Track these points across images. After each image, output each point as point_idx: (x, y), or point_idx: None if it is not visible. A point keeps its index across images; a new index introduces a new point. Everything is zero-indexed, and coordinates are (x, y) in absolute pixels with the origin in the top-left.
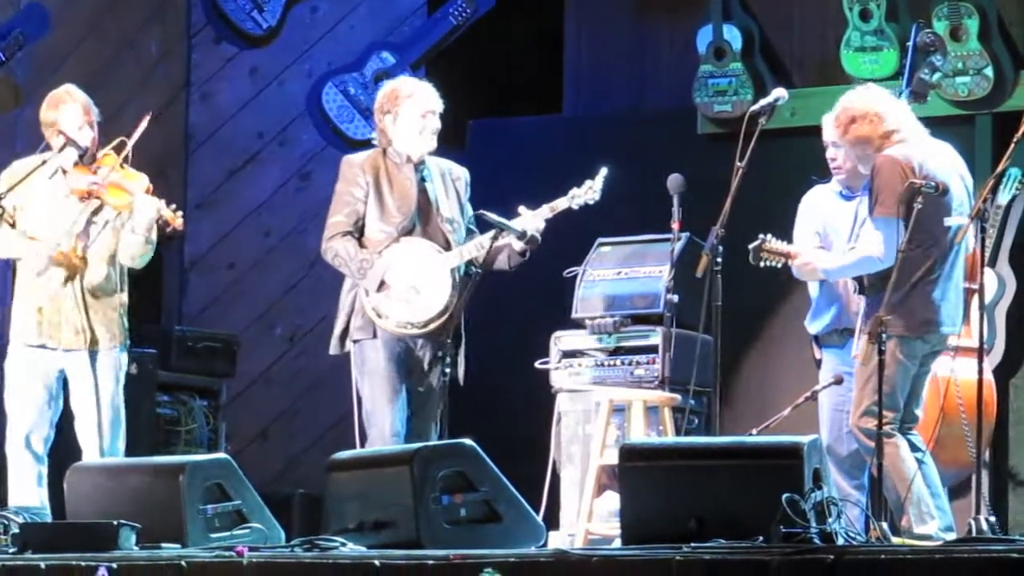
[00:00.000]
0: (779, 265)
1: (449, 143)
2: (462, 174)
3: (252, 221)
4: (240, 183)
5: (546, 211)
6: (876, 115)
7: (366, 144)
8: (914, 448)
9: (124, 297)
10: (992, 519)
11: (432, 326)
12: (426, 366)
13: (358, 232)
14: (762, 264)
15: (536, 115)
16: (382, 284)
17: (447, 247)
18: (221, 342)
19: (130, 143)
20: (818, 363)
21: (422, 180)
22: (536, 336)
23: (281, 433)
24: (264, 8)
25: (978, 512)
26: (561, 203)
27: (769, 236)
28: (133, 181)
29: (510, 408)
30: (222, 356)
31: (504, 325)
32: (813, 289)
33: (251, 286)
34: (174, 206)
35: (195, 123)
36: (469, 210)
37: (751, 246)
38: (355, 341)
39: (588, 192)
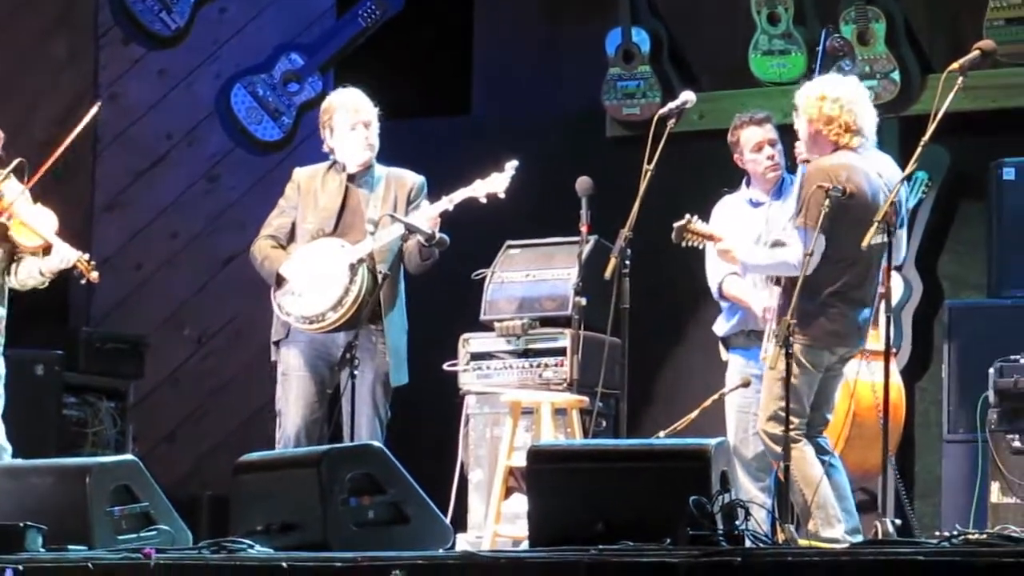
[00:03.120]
0: (700, 247)
1: None
2: (410, 181)
3: (160, 222)
4: (148, 184)
5: (445, 202)
6: (849, 110)
7: (275, 146)
8: (822, 451)
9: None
10: (897, 522)
11: (329, 320)
12: (341, 362)
13: (285, 239)
14: (684, 244)
15: (445, 117)
16: (283, 281)
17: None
18: (129, 343)
19: (37, 174)
20: (724, 366)
21: (358, 187)
22: (444, 338)
23: (189, 435)
24: (172, 9)
25: (884, 514)
26: (460, 194)
27: (695, 217)
28: (42, 220)
29: (418, 410)
30: (129, 357)
31: (412, 327)
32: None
33: (159, 287)
34: (87, 256)
35: (103, 124)
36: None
37: (675, 224)
38: (275, 343)
39: (493, 183)
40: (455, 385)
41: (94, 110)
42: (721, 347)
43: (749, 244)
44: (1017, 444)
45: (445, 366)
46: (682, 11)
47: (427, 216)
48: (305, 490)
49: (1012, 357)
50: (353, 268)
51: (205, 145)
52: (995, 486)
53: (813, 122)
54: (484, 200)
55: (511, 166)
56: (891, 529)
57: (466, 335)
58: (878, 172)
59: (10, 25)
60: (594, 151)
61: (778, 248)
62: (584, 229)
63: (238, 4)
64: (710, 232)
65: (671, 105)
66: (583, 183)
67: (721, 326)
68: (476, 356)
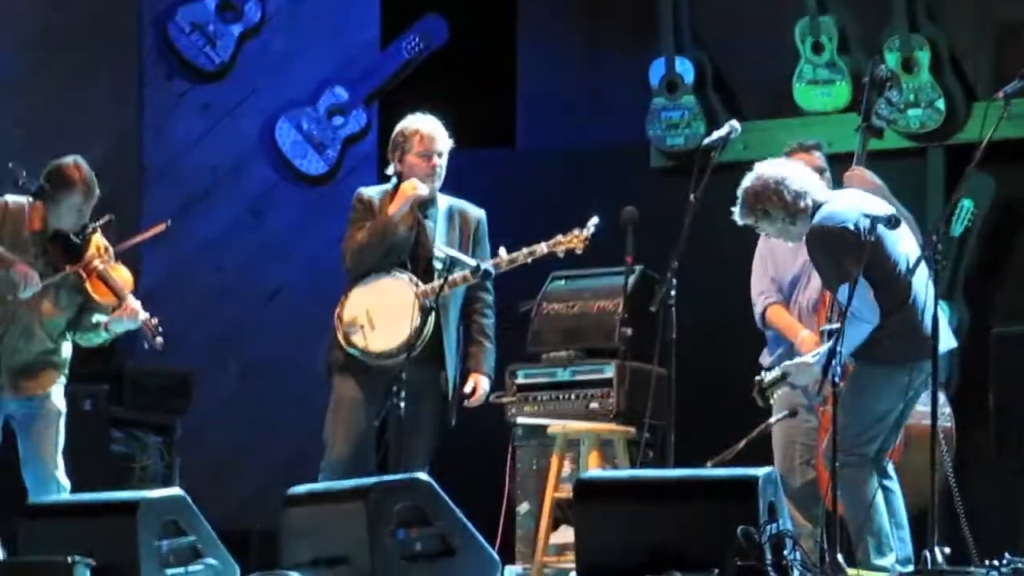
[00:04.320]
0: (779, 392)
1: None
2: (473, 217)
3: (206, 256)
4: (193, 218)
5: (524, 255)
6: (776, 192)
7: (320, 179)
8: (884, 475)
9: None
10: (947, 550)
11: (400, 356)
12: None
13: None
14: (772, 400)
15: (490, 148)
16: (352, 310)
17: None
18: (175, 377)
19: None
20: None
21: (424, 216)
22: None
23: (236, 468)
24: (216, 43)
25: (933, 544)
26: (542, 248)
27: (762, 375)
28: (119, 280)
29: (465, 441)
30: (176, 391)
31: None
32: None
33: (205, 321)
34: (156, 320)
35: (148, 158)
36: (486, 250)
37: (755, 394)
38: (327, 369)
39: (573, 241)
40: (502, 416)
41: (162, 227)
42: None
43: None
44: None
45: (492, 398)
46: (726, 41)
47: (502, 260)
48: (353, 523)
49: None
50: (423, 306)
51: (250, 179)
52: None
53: (772, 225)
54: (562, 255)
55: (593, 223)
56: (940, 558)
57: (513, 366)
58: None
59: (56, 60)
60: (639, 181)
61: (849, 326)
62: (629, 260)
63: (282, 38)
64: (779, 375)
65: (715, 135)
66: (628, 214)
67: (766, 357)
68: (523, 387)
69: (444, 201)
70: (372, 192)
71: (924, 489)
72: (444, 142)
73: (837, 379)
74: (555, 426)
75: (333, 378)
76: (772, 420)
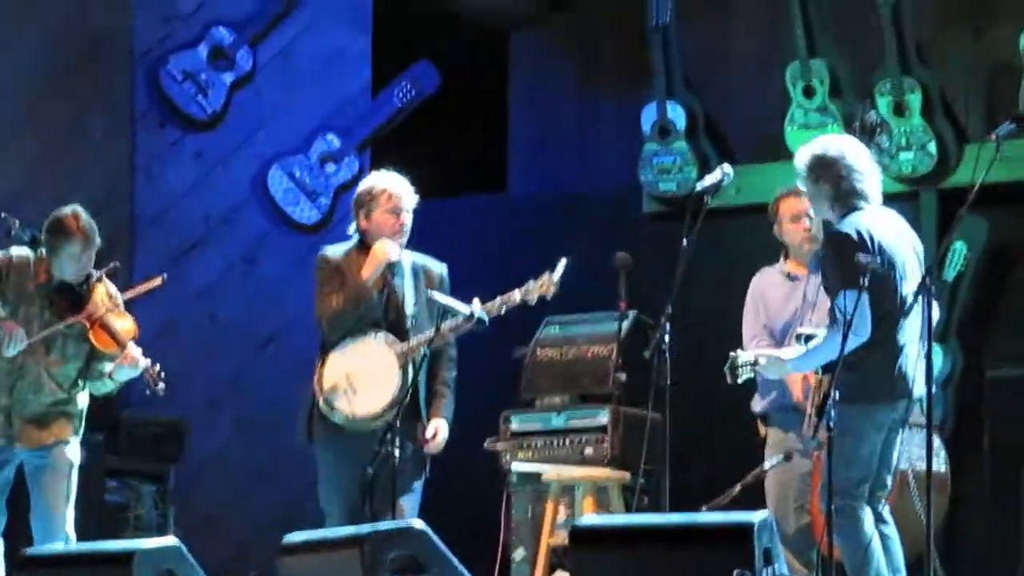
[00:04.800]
0: (752, 375)
1: None
2: (436, 272)
3: (199, 304)
4: (186, 266)
5: (496, 306)
6: (845, 166)
7: (313, 227)
8: (881, 520)
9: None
10: None
11: (386, 417)
12: (382, 454)
13: None
14: (740, 380)
15: (482, 194)
16: (332, 377)
17: (405, 341)
18: (169, 426)
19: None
20: (763, 441)
21: (392, 275)
22: (486, 416)
23: (231, 517)
24: (208, 92)
25: None
26: (515, 296)
27: (736, 352)
28: (122, 327)
29: (460, 488)
30: (170, 440)
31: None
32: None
33: (199, 370)
34: (158, 367)
35: (140, 207)
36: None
37: (726, 368)
38: (314, 435)
39: (545, 286)
40: (497, 463)
41: (158, 281)
42: (759, 423)
43: (796, 349)
44: None
45: (486, 444)
46: (717, 85)
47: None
48: (348, 571)
49: None
50: (404, 366)
51: (243, 227)
52: None
53: (815, 198)
54: (534, 302)
55: (561, 264)
56: None
57: (507, 412)
58: (895, 228)
59: (48, 107)
60: (631, 227)
61: (836, 334)
62: (622, 305)
63: (274, 87)
64: (752, 359)
65: (707, 180)
66: (621, 259)
67: (758, 402)
68: (517, 434)
69: (408, 257)
70: (336, 252)
71: (919, 535)
72: (411, 199)
73: (832, 424)
74: (550, 472)
75: (316, 445)
76: (766, 465)
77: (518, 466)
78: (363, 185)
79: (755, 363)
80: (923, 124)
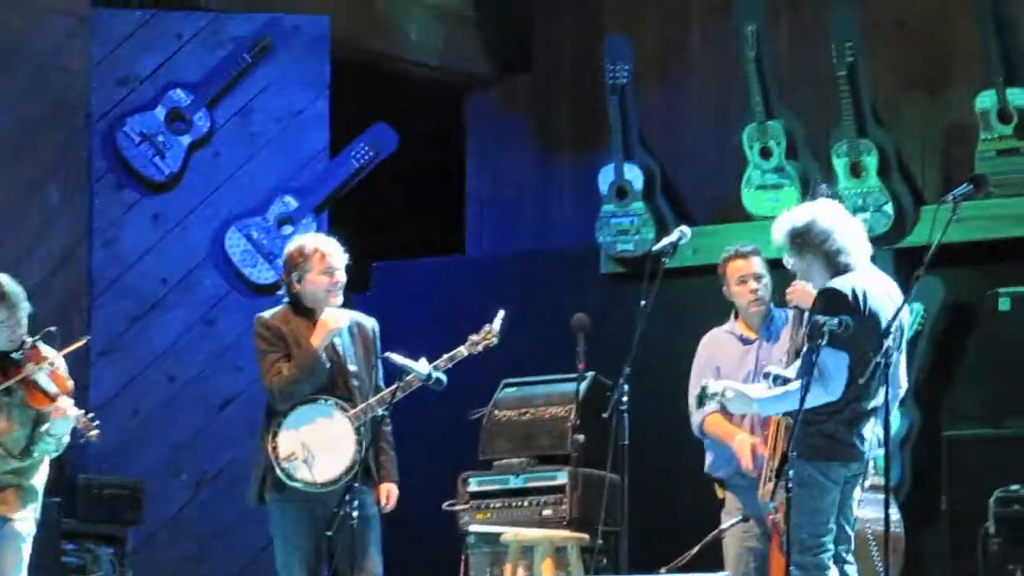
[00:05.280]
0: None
1: (353, 286)
2: (369, 328)
3: (157, 367)
4: (144, 329)
5: (445, 361)
6: (820, 231)
7: (270, 288)
8: (844, 562)
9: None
10: None
11: (343, 482)
12: (340, 516)
13: None
14: (708, 409)
15: (440, 255)
16: (288, 445)
17: (353, 402)
18: (126, 489)
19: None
20: (721, 502)
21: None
22: (444, 478)
23: None
24: (166, 154)
25: None
26: (460, 352)
27: (708, 382)
28: (52, 382)
29: (419, 550)
30: (127, 503)
31: (412, 466)
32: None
33: (156, 432)
34: (91, 415)
35: (98, 269)
36: (379, 361)
37: (695, 395)
38: (267, 498)
39: (486, 337)
40: (455, 525)
41: (83, 341)
42: (717, 485)
43: (762, 387)
44: (1018, 574)
45: (445, 506)
46: (674, 146)
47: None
48: None
49: (1012, 487)
50: (358, 428)
51: (201, 289)
52: None
53: (800, 261)
54: (479, 352)
55: (500, 316)
56: None
57: (465, 474)
58: (886, 291)
59: (6, 168)
60: (589, 288)
61: (814, 385)
62: (581, 366)
63: (231, 148)
64: (720, 390)
65: (665, 241)
66: (579, 320)
67: (715, 467)
68: (475, 495)
69: (346, 316)
70: (273, 317)
71: None
72: (343, 258)
73: (791, 484)
74: (508, 534)
75: (271, 509)
76: (725, 526)
77: (477, 527)
78: (292, 247)
79: (722, 394)
80: (880, 185)
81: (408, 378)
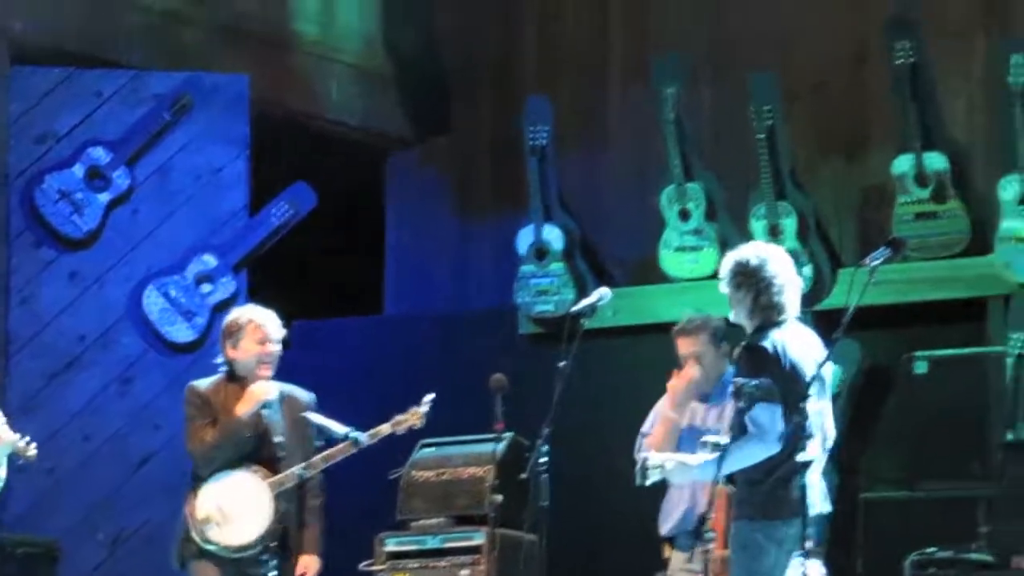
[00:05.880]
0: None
1: None
2: (303, 402)
3: (73, 425)
4: (61, 387)
5: (366, 439)
6: (765, 278)
7: (188, 347)
8: None
9: None
10: None
11: (258, 548)
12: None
13: None
14: (648, 482)
15: (359, 315)
16: (205, 508)
17: (276, 471)
18: (42, 547)
19: None
20: (664, 563)
21: (262, 406)
22: (360, 537)
23: None
24: (84, 212)
25: None
26: (384, 430)
27: (647, 455)
28: None
29: None
30: (43, 562)
31: (329, 527)
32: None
33: (72, 490)
34: (27, 438)
35: (15, 327)
36: (313, 436)
37: (637, 469)
38: (186, 560)
39: (412, 418)
40: None
41: None
42: (666, 545)
43: (702, 455)
44: None
45: (361, 566)
46: (593, 207)
47: (345, 447)
48: None
49: (927, 550)
50: (276, 497)
51: (118, 347)
52: None
53: (735, 302)
54: (403, 432)
55: (428, 400)
56: None
57: (382, 534)
58: (807, 346)
59: None
60: (508, 348)
61: (747, 443)
62: (499, 427)
63: (150, 205)
64: (660, 464)
65: (585, 302)
66: (497, 380)
67: (663, 524)
68: (392, 555)
69: (275, 387)
70: (205, 385)
71: None
72: (278, 330)
73: (709, 538)
74: None
75: (189, 568)
76: None
77: None
78: (230, 316)
79: (661, 467)
80: (798, 247)
81: (331, 450)
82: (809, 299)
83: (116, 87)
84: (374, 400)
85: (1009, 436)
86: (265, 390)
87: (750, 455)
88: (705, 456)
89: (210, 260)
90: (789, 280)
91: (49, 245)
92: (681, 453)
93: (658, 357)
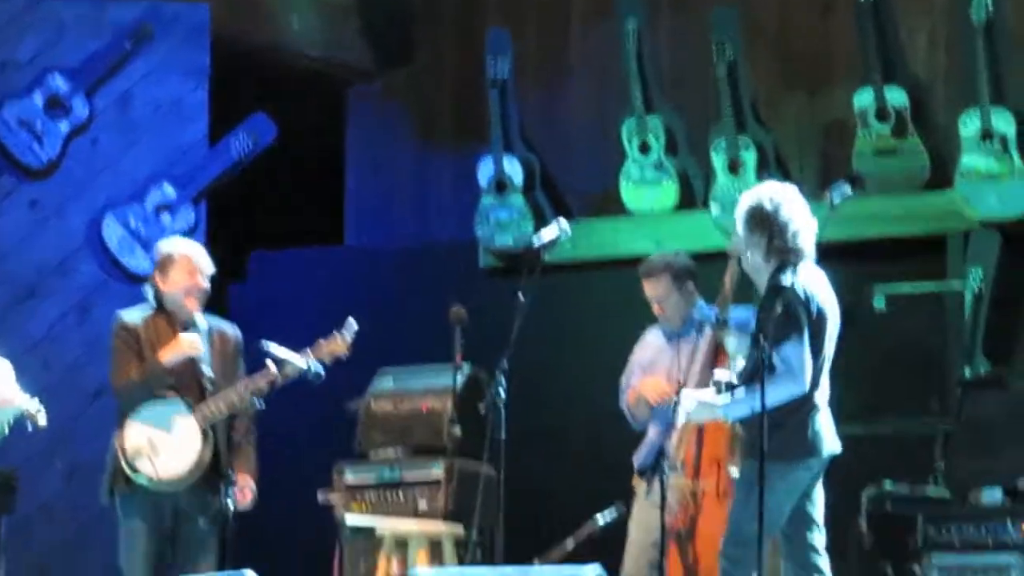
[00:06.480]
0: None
1: (231, 275)
2: (232, 337)
3: (32, 354)
4: (19, 317)
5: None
6: (781, 221)
7: (146, 277)
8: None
9: None
10: None
11: (188, 480)
12: (191, 517)
13: None
14: (680, 423)
15: (318, 246)
16: (135, 441)
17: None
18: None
19: None
20: (631, 492)
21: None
22: (319, 467)
23: (63, 568)
24: (44, 140)
25: None
26: (307, 356)
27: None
28: None
29: (294, 540)
30: (1, 491)
31: (287, 457)
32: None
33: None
34: (36, 401)
35: None
36: (241, 369)
37: (654, 408)
38: (115, 494)
39: (336, 345)
40: (330, 515)
41: None
42: (638, 476)
43: (724, 395)
44: (890, 572)
45: (320, 496)
46: (554, 140)
47: (274, 375)
48: None
49: (884, 485)
50: (205, 428)
51: (77, 276)
52: None
53: (748, 245)
54: (328, 362)
55: (350, 324)
56: None
57: (340, 465)
58: (826, 289)
59: None
60: (467, 281)
61: (781, 381)
62: (458, 359)
63: (110, 135)
64: (686, 400)
65: (544, 235)
66: (456, 313)
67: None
68: (351, 486)
69: (203, 320)
70: (134, 317)
71: None
72: (209, 265)
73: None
74: (383, 525)
75: (118, 506)
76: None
77: (351, 519)
78: (161, 250)
79: (678, 401)
80: (757, 182)
81: (255, 379)
82: None
83: (77, 16)
84: (333, 331)
85: (967, 372)
86: (193, 344)
87: (781, 394)
88: (725, 396)
89: (169, 190)
90: (804, 223)
91: (9, 173)
92: (702, 391)
93: (617, 290)
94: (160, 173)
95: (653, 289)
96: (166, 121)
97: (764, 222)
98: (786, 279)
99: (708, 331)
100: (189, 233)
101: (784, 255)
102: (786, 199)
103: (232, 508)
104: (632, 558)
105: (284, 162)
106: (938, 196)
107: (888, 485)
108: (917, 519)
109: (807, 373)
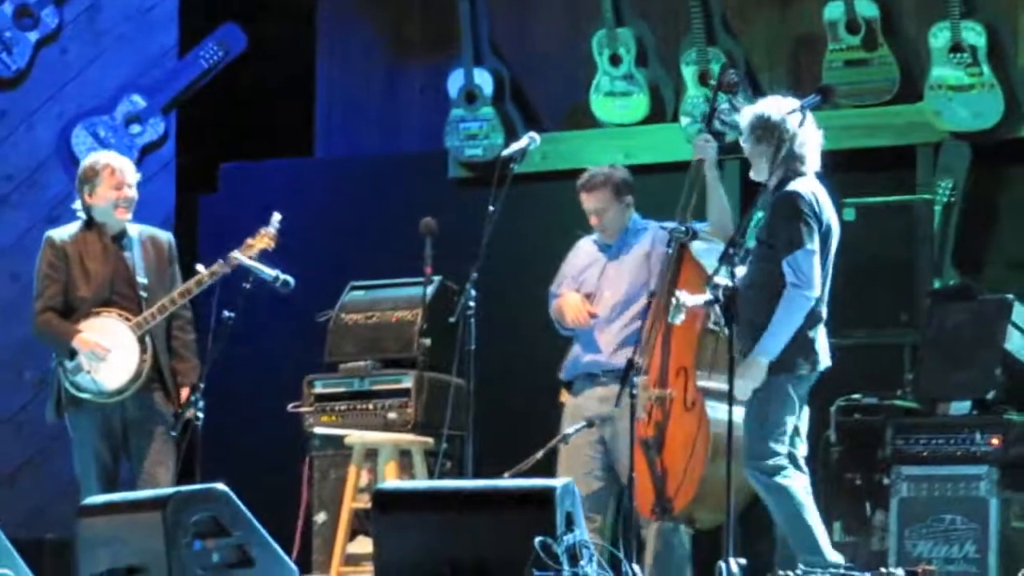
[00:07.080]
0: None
1: (201, 186)
2: (164, 241)
3: (1, 265)
4: None
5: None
6: (787, 130)
7: None
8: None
9: None
10: (743, 561)
11: (130, 391)
12: (141, 426)
13: (63, 308)
14: (678, 320)
15: (288, 157)
16: (75, 356)
17: (140, 313)
18: None
19: None
20: (560, 405)
21: (120, 249)
22: (289, 380)
23: (30, 478)
24: (12, 50)
25: (728, 555)
26: (236, 256)
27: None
28: None
29: (263, 452)
30: None
31: (257, 368)
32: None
33: (1, 330)
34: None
35: None
36: (176, 274)
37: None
38: (64, 413)
39: (262, 239)
40: (300, 426)
41: None
42: (564, 389)
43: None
44: (859, 483)
45: (289, 407)
46: (524, 52)
47: (203, 276)
48: (150, 533)
49: (853, 396)
50: (142, 338)
51: (46, 187)
52: (837, 525)
53: (754, 153)
54: (256, 257)
55: (275, 219)
56: (736, 570)
57: (311, 376)
58: (828, 199)
59: None
60: (437, 192)
61: (794, 297)
62: (428, 270)
63: (79, 45)
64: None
65: (514, 146)
66: (426, 224)
67: (562, 368)
68: (320, 397)
69: (134, 229)
70: (64, 236)
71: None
72: (134, 174)
73: (634, 389)
74: (352, 436)
75: (67, 417)
76: (569, 431)
77: (321, 430)
78: (85, 162)
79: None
80: None
81: (186, 284)
82: (737, 146)
83: None
84: (302, 243)
85: (936, 283)
86: (97, 345)
87: (800, 306)
88: (760, 344)
89: (139, 101)
90: (810, 134)
91: None
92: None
93: None
94: (130, 83)
95: (593, 201)
96: (136, 30)
97: (771, 131)
98: (798, 186)
99: (674, 243)
100: (158, 144)
101: (790, 164)
102: (790, 110)
103: (199, 419)
104: (567, 468)
105: (254, 72)
106: (908, 108)
107: (857, 396)
108: (886, 430)
109: (817, 281)
